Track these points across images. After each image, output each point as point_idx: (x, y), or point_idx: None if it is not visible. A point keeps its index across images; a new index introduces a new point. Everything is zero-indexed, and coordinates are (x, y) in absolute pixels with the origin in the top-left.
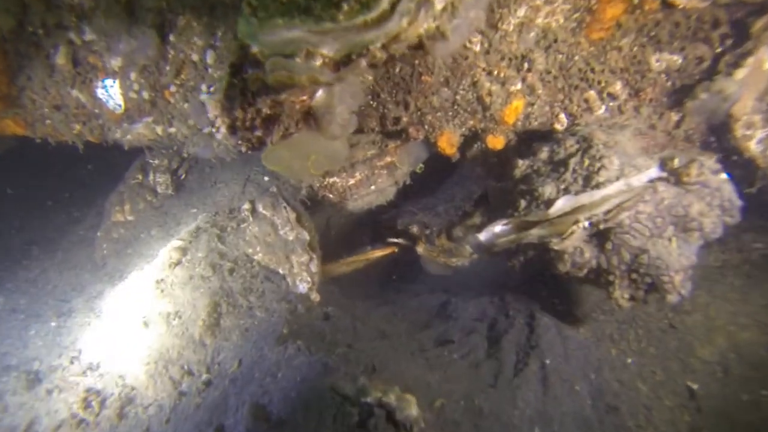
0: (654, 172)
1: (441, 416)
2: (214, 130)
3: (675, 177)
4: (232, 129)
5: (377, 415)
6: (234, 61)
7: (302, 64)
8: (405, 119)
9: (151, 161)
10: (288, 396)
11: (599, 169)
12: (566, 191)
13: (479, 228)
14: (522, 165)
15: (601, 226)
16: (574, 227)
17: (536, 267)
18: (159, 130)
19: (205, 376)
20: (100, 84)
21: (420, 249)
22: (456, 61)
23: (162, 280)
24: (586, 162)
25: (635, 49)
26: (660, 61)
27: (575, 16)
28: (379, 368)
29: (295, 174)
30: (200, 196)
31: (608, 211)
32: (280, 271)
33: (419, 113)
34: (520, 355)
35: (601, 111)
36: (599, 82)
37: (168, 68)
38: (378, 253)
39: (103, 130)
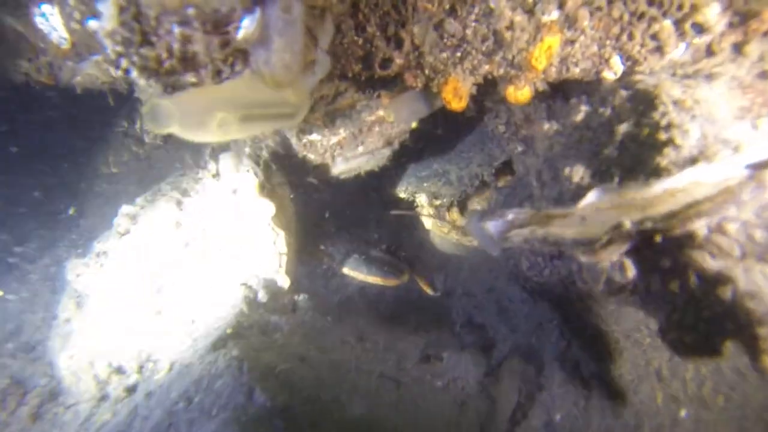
0: (761, 151)
1: None
2: (119, 73)
3: None
4: (148, 72)
5: None
6: None
7: None
8: (398, 61)
9: (139, 108)
10: None
11: (664, 144)
12: (605, 175)
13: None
14: (547, 129)
15: (658, 238)
16: (614, 234)
17: (561, 273)
18: (113, 70)
19: (133, 378)
20: (37, 11)
21: (428, 224)
22: None
23: (104, 252)
24: (645, 131)
25: None
26: None
27: None
28: (323, 399)
29: (202, 136)
30: (190, 149)
31: (671, 214)
32: (243, 248)
33: (417, 53)
34: (523, 394)
35: (677, 52)
36: (681, 6)
37: None
38: (382, 281)
39: (53, 69)
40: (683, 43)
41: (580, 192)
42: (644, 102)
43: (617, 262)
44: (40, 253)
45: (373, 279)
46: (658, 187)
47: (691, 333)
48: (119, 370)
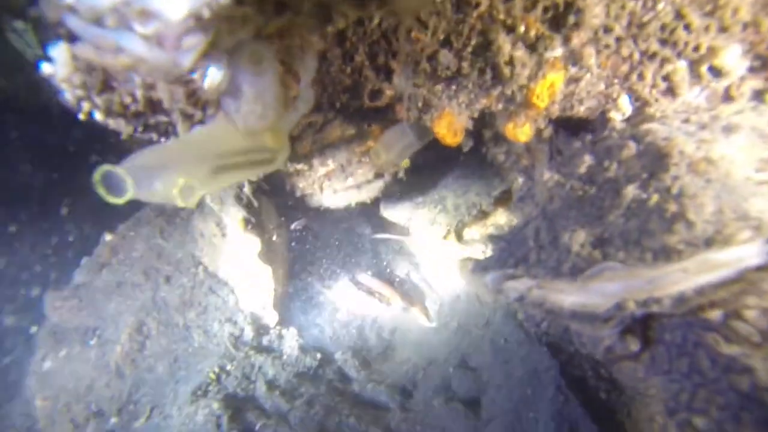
0: None
1: None
2: (82, 117)
3: None
4: (114, 115)
5: None
6: (56, 16)
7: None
8: (388, 92)
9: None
10: None
11: (674, 218)
12: (608, 246)
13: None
14: (547, 179)
15: (665, 321)
16: (616, 314)
17: (559, 328)
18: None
19: (112, 421)
20: (9, 27)
21: (423, 248)
22: (461, 9)
23: (84, 284)
24: (654, 198)
25: None
26: None
27: None
28: None
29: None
30: None
31: (682, 300)
32: (229, 283)
33: (408, 85)
34: None
35: (690, 94)
36: (697, 48)
37: None
38: (372, 308)
39: (31, 86)
40: (698, 87)
41: (579, 264)
42: (654, 159)
43: (618, 337)
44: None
45: (363, 306)
46: (668, 269)
47: (703, 417)
48: (97, 414)
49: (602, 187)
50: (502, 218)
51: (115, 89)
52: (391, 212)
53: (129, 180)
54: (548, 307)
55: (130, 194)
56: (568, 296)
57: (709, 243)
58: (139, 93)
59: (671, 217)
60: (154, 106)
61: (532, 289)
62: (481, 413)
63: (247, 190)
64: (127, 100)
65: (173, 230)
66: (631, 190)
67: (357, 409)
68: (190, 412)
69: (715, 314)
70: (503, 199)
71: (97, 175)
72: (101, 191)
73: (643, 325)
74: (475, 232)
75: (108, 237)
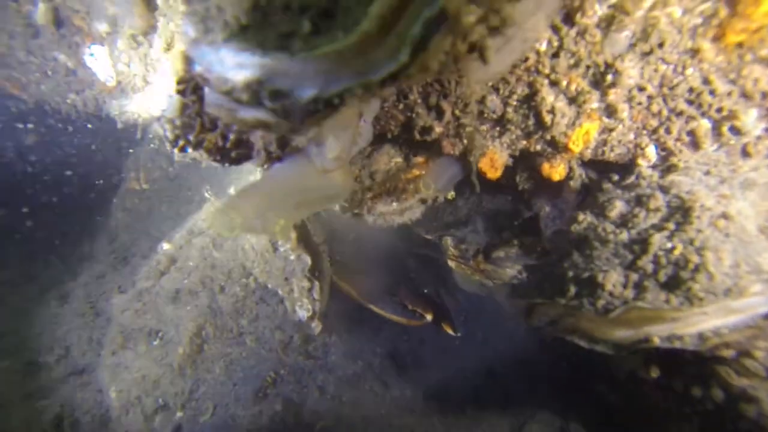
0: None
1: None
2: (176, 151)
3: None
4: (202, 149)
5: None
6: (180, 76)
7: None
8: (438, 130)
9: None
10: None
11: (695, 269)
12: (639, 289)
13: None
14: (582, 220)
15: (685, 355)
16: (642, 346)
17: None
18: (155, 111)
19: (178, 415)
20: (88, 50)
21: (452, 264)
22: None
23: (147, 290)
24: (678, 249)
25: None
26: None
27: (702, 7)
28: None
29: (266, 232)
30: (216, 174)
31: (701, 338)
32: (279, 292)
33: (457, 124)
34: None
35: (712, 148)
36: (720, 110)
37: (158, 40)
38: (406, 321)
39: (98, 102)
40: (718, 143)
41: (612, 301)
42: (680, 212)
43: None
44: (79, 268)
45: (398, 319)
46: (690, 312)
47: None
48: (164, 407)
49: (631, 232)
50: (527, 241)
51: (211, 131)
52: (424, 230)
53: (237, 219)
54: (579, 335)
55: (237, 231)
56: (599, 326)
57: (727, 293)
58: (232, 136)
59: (694, 267)
60: (240, 144)
61: (564, 316)
62: (509, 419)
63: None
64: (219, 141)
65: (223, 241)
66: (658, 239)
67: (398, 412)
68: (255, 413)
69: (729, 352)
70: (530, 224)
71: (210, 215)
72: (216, 228)
73: (664, 357)
74: (502, 252)
75: (166, 246)
